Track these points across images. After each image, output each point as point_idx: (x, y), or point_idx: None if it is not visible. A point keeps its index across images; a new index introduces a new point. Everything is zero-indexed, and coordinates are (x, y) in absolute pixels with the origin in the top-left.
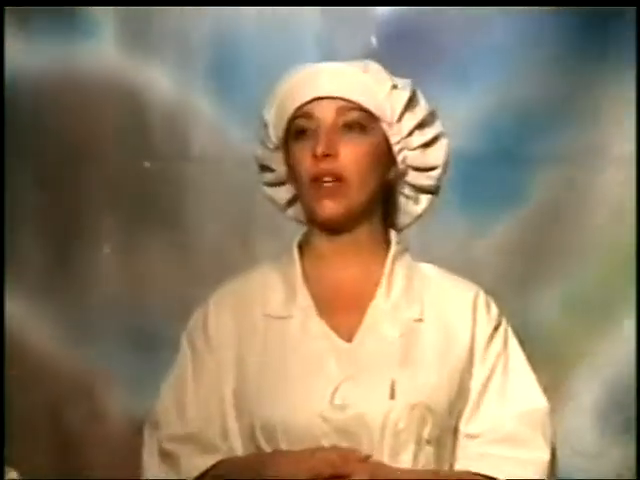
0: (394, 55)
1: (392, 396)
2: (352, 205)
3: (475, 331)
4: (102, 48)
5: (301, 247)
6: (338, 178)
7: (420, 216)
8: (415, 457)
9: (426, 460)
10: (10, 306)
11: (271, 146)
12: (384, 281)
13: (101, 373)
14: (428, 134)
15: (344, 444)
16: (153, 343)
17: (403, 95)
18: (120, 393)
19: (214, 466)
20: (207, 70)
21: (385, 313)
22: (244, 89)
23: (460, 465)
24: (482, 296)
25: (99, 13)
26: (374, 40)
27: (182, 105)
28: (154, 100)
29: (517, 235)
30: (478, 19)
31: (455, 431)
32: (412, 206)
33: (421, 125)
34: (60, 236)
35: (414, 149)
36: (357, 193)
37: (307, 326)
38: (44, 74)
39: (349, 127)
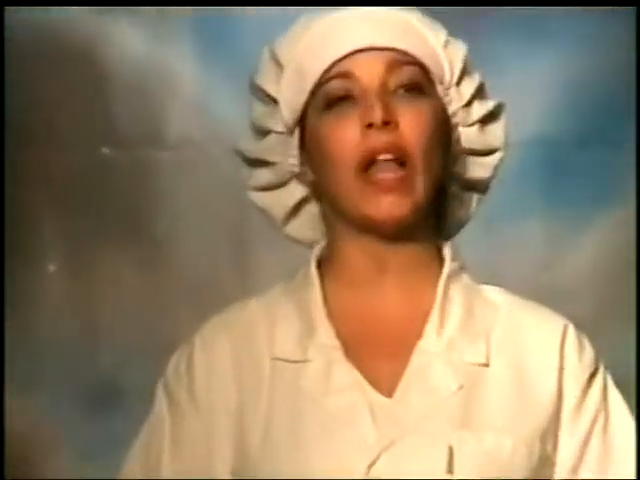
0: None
1: (449, 469)
2: (419, 198)
3: (563, 381)
4: None
5: (320, 264)
6: (400, 154)
7: (464, 225)
8: None
9: None
10: None
11: (281, 129)
12: (435, 312)
13: (45, 434)
14: (489, 104)
15: None
16: (114, 396)
17: (460, 50)
18: (69, 459)
19: None
20: (190, 26)
21: (437, 356)
22: (239, 51)
23: None
24: (572, 332)
25: None
26: None
27: (155, 72)
28: (117, 66)
29: (615, 245)
30: None
31: None
32: (457, 210)
33: (479, 92)
34: None
35: (471, 125)
36: (423, 180)
37: (331, 373)
38: None
39: (404, 88)
